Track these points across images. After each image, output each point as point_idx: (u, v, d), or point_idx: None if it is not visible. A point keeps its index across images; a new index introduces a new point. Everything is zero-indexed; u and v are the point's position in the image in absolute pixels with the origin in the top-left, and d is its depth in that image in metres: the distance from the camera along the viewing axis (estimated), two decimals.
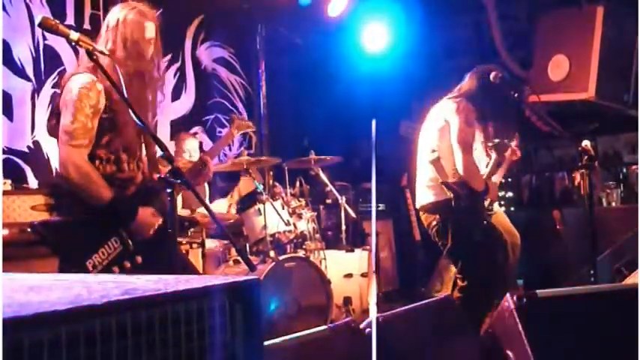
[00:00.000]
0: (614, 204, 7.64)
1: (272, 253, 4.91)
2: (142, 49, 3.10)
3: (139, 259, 3.01)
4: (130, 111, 2.70)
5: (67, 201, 3.02)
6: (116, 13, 3.11)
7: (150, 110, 3.20)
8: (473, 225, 4.19)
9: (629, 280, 4.57)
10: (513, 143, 4.58)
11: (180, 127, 6.41)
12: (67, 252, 2.92)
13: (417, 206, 4.51)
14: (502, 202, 7.77)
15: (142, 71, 3.11)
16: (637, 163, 7.76)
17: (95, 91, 2.94)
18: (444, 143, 4.24)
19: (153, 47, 3.16)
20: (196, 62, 6.92)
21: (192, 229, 5.11)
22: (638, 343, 2.67)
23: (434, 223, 4.34)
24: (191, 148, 5.62)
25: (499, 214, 4.63)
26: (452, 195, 4.16)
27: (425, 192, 4.38)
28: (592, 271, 4.07)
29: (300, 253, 5.27)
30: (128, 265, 2.97)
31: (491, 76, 4.22)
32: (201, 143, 6.38)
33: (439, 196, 4.27)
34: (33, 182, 5.12)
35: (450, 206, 4.21)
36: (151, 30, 3.13)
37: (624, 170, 7.93)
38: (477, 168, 4.29)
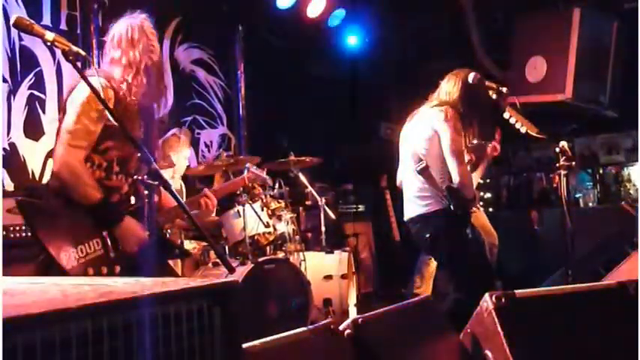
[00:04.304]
0: (591, 204, 7.73)
1: (251, 255, 4.90)
2: (146, 58, 3.13)
3: (118, 268, 2.98)
4: (108, 112, 2.69)
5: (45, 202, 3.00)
6: (122, 25, 3.17)
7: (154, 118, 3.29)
8: (466, 234, 4.15)
9: (606, 280, 4.61)
10: (495, 139, 4.58)
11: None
12: (44, 237, 2.87)
13: (406, 218, 4.37)
14: (481, 203, 7.83)
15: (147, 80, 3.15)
16: (613, 164, 7.85)
17: (105, 96, 2.92)
18: (433, 152, 4.16)
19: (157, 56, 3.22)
20: (174, 64, 6.87)
21: (169, 231, 5.07)
22: (638, 344, 2.69)
23: (427, 235, 4.25)
24: (176, 148, 5.59)
25: (479, 214, 4.62)
26: (449, 203, 4.09)
27: (414, 203, 4.27)
28: (570, 272, 4.10)
29: (280, 255, 5.25)
30: (105, 271, 2.93)
31: (470, 77, 4.22)
32: None
33: (431, 207, 4.17)
34: (9, 185, 5.06)
35: (442, 217, 4.14)
36: (155, 43, 3.19)
37: (600, 171, 8.02)
38: (471, 177, 4.25)
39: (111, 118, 2.71)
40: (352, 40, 8.18)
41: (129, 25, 3.16)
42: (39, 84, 5.36)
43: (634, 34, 5.93)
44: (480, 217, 4.60)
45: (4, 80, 5.13)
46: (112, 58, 3.14)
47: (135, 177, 3.17)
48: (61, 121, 3.07)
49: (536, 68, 6.45)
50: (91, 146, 3.00)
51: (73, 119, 2.96)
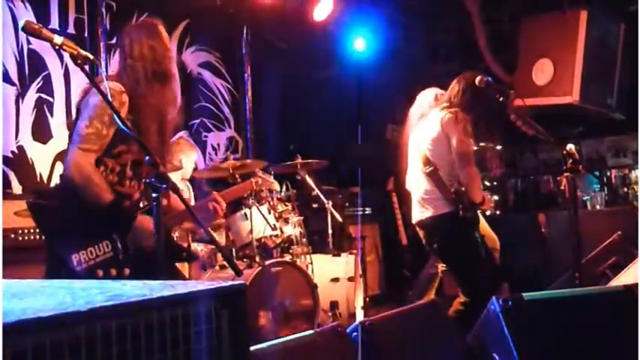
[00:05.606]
0: (598, 207, 7.71)
1: (258, 258, 4.90)
2: (160, 61, 3.16)
3: (127, 271, 2.98)
4: (115, 115, 2.70)
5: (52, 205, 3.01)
6: (141, 32, 3.18)
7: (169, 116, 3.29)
8: (475, 237, 4.15)
9: (613, 283, 4.60)
10: (498, 147, 4.58)
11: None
12: (54, 239, 2.88)
13: (414, 221, 4.37)
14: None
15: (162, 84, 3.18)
16: (621, 167, 7.83)
17: (119, 101, 2.92)
18: (441, 154, 4.16)
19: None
20: (182, 66, 6.89)
21: (177, 234, 5.08)
22: (638, 344, 2.68)
23: (435, 238, 4.25)
24: (185, 151, 5.60)
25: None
26: (458, 206, 4.08)
27: (422, 206, 4.27)
28: (577, 274, 4.09)
29: (287, 258, 5.25)
30: (114, 272, 2.94)
31: (477, 80, 4.22)
32: None
33: (438, 210, 4.18)
34: (17, 188, 5.08)
35: (451, 219, 4.13)
36: (166, 42, 3.22)
37: (608, 174, 8.00)
38: (479, 179, 4.25)
39: (119, 123, 2.71)
40: (358, 43, 8.19)
41: (149, 32, 3.17)
42: (47, 87, 5.38)
43: (636, 37, 5.92)
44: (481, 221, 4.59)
45: (13, 83, 5.16)
46: (132, 65, 3.11)
47: (144, 180, 3.17)
48: (73, 123, 3.08)
49: (543, 71, 6.44)
50: (102, 149, 3.00)
51: (86, 122, 2.95)
